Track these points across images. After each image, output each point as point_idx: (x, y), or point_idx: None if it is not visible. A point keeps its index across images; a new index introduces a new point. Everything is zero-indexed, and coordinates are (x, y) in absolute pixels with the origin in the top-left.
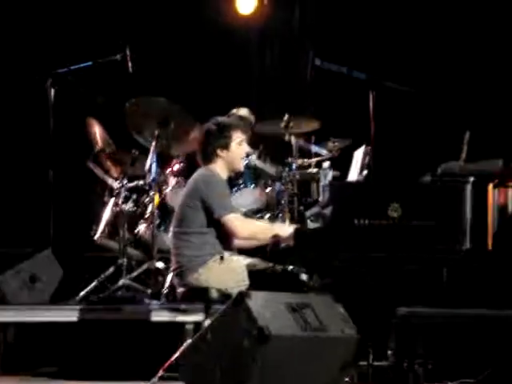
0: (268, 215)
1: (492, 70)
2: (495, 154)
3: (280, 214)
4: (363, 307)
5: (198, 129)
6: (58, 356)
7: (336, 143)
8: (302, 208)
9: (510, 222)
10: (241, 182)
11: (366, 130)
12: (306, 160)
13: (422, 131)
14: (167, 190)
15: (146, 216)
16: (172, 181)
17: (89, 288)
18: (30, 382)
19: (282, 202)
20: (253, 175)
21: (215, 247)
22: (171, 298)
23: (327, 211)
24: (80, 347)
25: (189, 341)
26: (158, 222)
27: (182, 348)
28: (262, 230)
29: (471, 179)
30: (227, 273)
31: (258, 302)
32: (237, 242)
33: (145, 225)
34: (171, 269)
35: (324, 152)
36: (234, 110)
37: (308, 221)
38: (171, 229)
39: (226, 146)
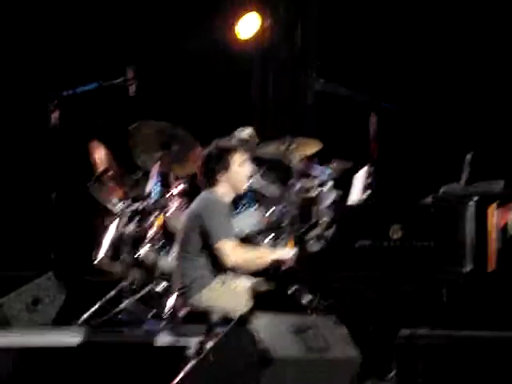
0: (270, 237)
1: (494, 92)
2: (497, 175)
3: (282, 236)
4: (365, 328)
5: (200, 152)
6: (60, 379)
7: (337, 165)
8: (303, 230)
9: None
10: (243, 203)
11: (368, 151)
12: (307, 182)
13: (423, 153)
14: (170, 212)
15: (149, 238)
16: (174, 203)
17: (91, 311)
18: None
19: (284, 223)
20: (255, 197)
21: (218, 269)
22: (173, 320)
23: (329, 233)
24: (82, 370)
25: (191, 363)
26: (160, 244)
27: (185, 370)
28: (255, 256)
29: (472, 201)
30: (230, 295)
31: (261, 323)
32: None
33: (147, 247)
34: (174, 290)
35: (325, 174)
36: (235, 133)
37: (310, 242)
38: (174, 250)
39: (227, 169)
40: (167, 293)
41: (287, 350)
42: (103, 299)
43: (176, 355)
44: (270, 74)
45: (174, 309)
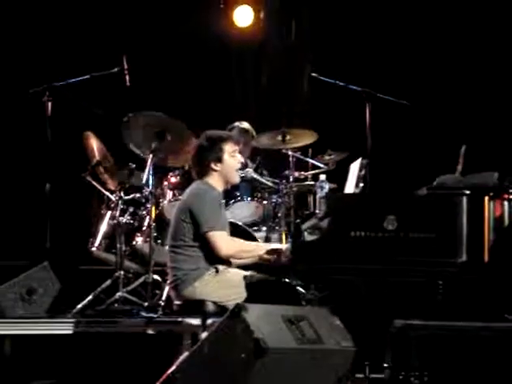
0: (265, 228)
1: (488, 84)
2: (491, 166)
3: (276, 227)
4: (360, 319)
5: (194, 142)
6: (55, 369)
7: (333, 156)
8: (298, 220)
9: (506, 234)
10: (237, 194)
11: (363, 142)
12: (302, 173)
13: (418, 144)
14: (164, 203)
15: (143, 229)
16: (169, 193)
17: (85, 301)
18: None
19: (279, 214)
20: (249, 188)
21: (210, 260)
22: (168, 311)
23: (324, 223)
24: (76, 360)
25: (185, 353)
26: (154, 234)
27: (179, 361)
28: (247, 249)
29: (467, 192)
30: (222, 286)
31: (255, 314)
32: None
33: (142, 238)
34: (168, 282)
35: (321, 165)
36: (236, 124)
37: (305, 233)
38: (167, 242)
39: (219, 159)
40: (161, 283)
41: (281, 341)
42: (98, 289)
43: (170, 346)
44: (265, 64)
45: (168, 299)
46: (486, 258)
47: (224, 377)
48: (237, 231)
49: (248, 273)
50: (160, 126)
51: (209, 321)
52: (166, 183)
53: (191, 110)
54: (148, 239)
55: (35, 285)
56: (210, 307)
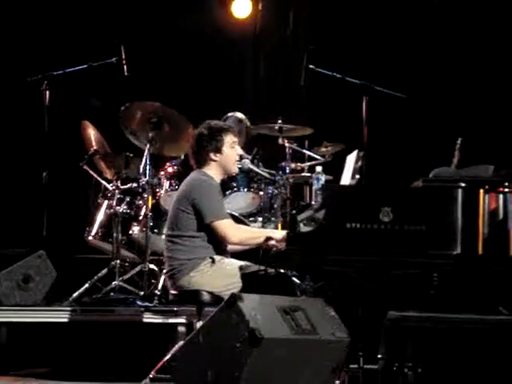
0: (261, 219)
1: (484, 77)
2: (486, 159)
3: (273, 218)
4: (354, 310)
5: (192, 132)
6: (51, 357)
7: (329, 147)
8: (294, 212)
9: (500, 227)
10: (234, 185)
11: (359, 134)
12: (299, 164)
13: (414, 136)
14: (161, 193)
15: (140, 218)
16: (166, 183)
17: (82, 289)
18: (21, 383)
19: (275, 205)
20: (246, 179)
21: (207, 251)
22: (164, 300)
23: (320, 215)
24: (72, 348)
25: (181, 342)
26: (151, 224)
27: (174, 349)
28: (252, 235)
29: (462, 185)
30: (218, 276)
31: (250, 304)
32: (229, 246)
33: (138, 227)
34: (164, 271)
35: (317, 156)
36: (230, 114)
37: (301, 224)
38: (164, 231)
39: (219, 150)
40: (158, 272)
41: (276, 331)
42: (94, 278)
43: (166, 335)
44: (262, 56)
45: (164, 289)
46: (480, 250)
47: (219, 366)
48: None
49: (243, 263)
50: (157, 116)
51: (204, 310)
52: (162, 173)
53: (188, 100)
54: (144, 229)
55: (31, 273)
56: (206, 297)
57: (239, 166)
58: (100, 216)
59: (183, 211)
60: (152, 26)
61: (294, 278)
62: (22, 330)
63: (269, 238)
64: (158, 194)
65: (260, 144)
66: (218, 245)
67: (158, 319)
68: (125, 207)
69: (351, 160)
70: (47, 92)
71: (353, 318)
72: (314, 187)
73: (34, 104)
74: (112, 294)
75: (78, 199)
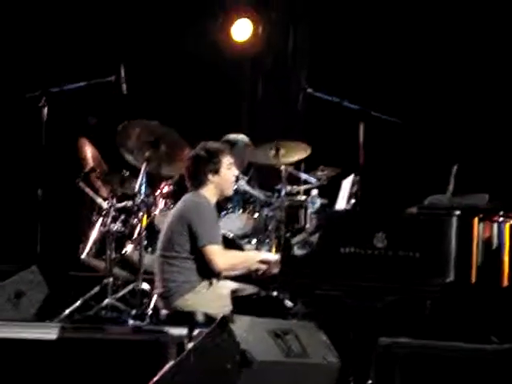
0: (255, 240)
1: (481, 104)
2: (482, 187)
3: (267, 240)
4: (346, 335)
5: (188, 152)
6: (40, 373)
7: (325, 171)
8: (288, 234)
9: (494, 256)
10: (229, 206)
11: (356, 159)
12: (294, 187)
13: (410, 162)
14: (156, 212)
15: (134, 237)
16: (161, 203)
17: (74, 306)
18: None
19: (270, 227)
20: (241, 200)
21: (203, 273)
22: (155, 320)
23: (314, 238)
24: (62, 365)
25: (171, 362)
26: (145, 243)
27: (164, 370)
28: (242, 260)
29: (457, 212)
30: (215, 298)
31: (242, 326)
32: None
33: (132, 245)
34: (156, 291)
35: (313, 180)
36: (232, 136)
37: (294, 248)
38: (157, 251)
39: (217, 171)
40: (150, 291)
41: (267, 353)
42: (86, 295)
43: (156, 354)
44: (261, 79)
45: (157, 308)
46: (474, 279)
47: None
48: (227, 243)
49: (238, 285)
50: (155, 135)
51: (195, 331)
52: (158, 192)
53: (186, 120)
54: (138, 247)
55: (24, 288)
56: (200, 317)
57: (235, 187)
58: (94, 233)
59: (180, 233)
60: (151, 45)
61: (286, 301)
62: (12, 346)
63: (263, 262)
64: (153, 213)
65: (256, 166)
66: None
67: (148, 339)
68: (119, 225)
69: (347, 184)
70: (45, 108)
71: (344, 343)
72: (309, 210)
73: (32, 120)
74: (104, 312)
75: (72, 216)
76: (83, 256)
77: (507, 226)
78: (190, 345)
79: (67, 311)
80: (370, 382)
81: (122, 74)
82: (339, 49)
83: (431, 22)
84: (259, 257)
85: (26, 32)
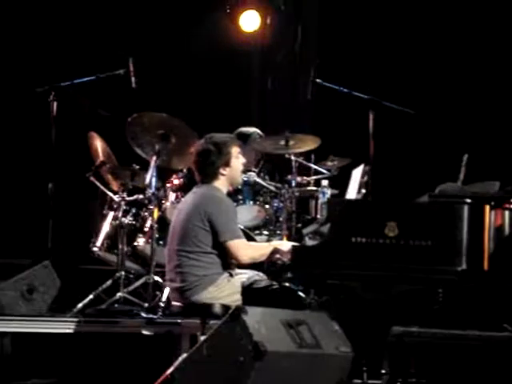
0: (266, 232)
1: (492, 93)
2: (493, 176)
3: (278, 231)
4: (358, 325)
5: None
6: (55, 367)
7: (335, 162)
8: (300, 225)
9: (506, 243)
10: (240, 198)
11: (366, 149)
12: (305, 178)
13: (420, 152)
14: (167, 205)
15: (145, 230)
16: (172, 195)
17: (86, 300)
18: None
19: (281, 219)
20: (252, 192)
21: (223, 266)
22: (168, 313)
23: (325, 229)
24: (76, 359)
25: (184, 355)
26: (156, 236)
27: (178, 362)
28: (262, 251)
29: (468, 201)
30: (236, 290)
31: (254, 317)
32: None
33: (143, 239)
34: (171, 285)
35: (323, 170)
36: (245, 129)
37: (306, 238)
38: (173, 245)
39: (228, 163)
40: (162, 284)
41: (280, 345)
42: (98, 289)
43: (169, 347)
44: (270, 70)
45: (169, 301)
46: (486, 266)
47: (222, 379)
48: None
49: (251, 274)
50: (164, 128)
51: (208, 322)
52: (168, 185)
53: (196, 113)
54: (150, 240)
55: (36, 283)
56: (218, 309)
57: (245, 178)
58: (105, 227)
59: (199, 227)
60: (160, 38)
61: (299, 292)
62: (26, 341)
63: (275, 251)
64: (164, 206)
65: (266, 157)
66: (231, 260)
67: (161, 331)
68: (130, 219)
69: (357, 174)
70: (55, 103)
71: (357, 333)
72: (319, 201)
73: (42, 115)
74: (116, 305)
75: (83, 210)
76: (95, 250)
77: None
78: (203, 337)
79: (80, 305)
80: (383, 371)
81: (131, 67)
82: (348, 38)
83: (442, 11)
84: (274, 245)
85: (35, 26)
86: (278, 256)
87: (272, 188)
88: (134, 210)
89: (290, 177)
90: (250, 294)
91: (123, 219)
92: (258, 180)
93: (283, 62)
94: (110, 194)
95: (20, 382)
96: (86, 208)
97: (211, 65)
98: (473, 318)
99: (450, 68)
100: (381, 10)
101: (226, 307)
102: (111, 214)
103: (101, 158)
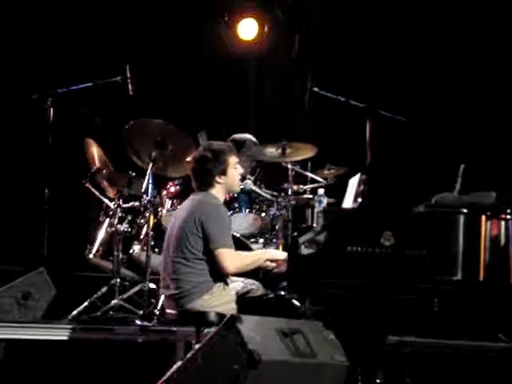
0: (262, 240)
1: (488, 103)
2: (489, 186)
3: (274, 239)
4: (354, 334)
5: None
6: (49, 375)
7: (332, 170)
8: (295, 234)
9: (502, 253)
10: (236, 206)
11: (362, 158)
12: (301, 186)
13: (417, 161)
14: (163, 212)
15: (141, 237)
16: (168, 203)
17: (81, 307)
18: None
19: (277, 227)
20: (248, 200)
21: (218, 273)
22: (163, 320)
23: (321, 238)
24: (70, 367)
25: (179, 363)
26: (152, 243)
27: (172, 370)
28: (252, 261)
29: (464, 210)
30: (230, 299)
31: (249, 326)
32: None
33: (139, 246)
34: (165, 292)
35: (319, 179)
36: (239, 136)
37: (302, 247)
38: (168, 252)
39: (224, 172)
40: (157, 292)
41: (274, 353)
42: (94, 296)
43: (164, 355)
44: (267, 78)
45: (164, 308)
46: (482, 277)
47: None
48: (234, 243)
49: (247, 283)
50: (161, 135)
51: (203, 330)
52: (164, 192)
53: (193, 120)
54: (145, 248)
55: (31, 290)
56: (213, 318)
57: (241, 186)
58: (101, 234)
59: (193, 233)
60: (157, 45)
61: (294, 301)
62: (21, 347)
63: (270, 260)
64: (160, 214)
65: (263, 165)
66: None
67: (156, 339)
68: (126, 226)
69: (353, 183)
70: (51, 109)
71: (352, 342)
72: (315, 210)
73: (38, 121)
74: (111, 312)
75: (79, 217)
76: (90, 256)
77: None
78: (198, 345)
79: (75, 312)
80: (378, 381)
81: (128, 74)
82: (345, 47)
83: (437, 20)
84: (268, 255)
85: (32, 33)
86: (272, 265)
87: (268, 196)
88: (129, 217)
89: (286, 185)
90: (246, 302)
91: (119, 226)
92: (255, 188)
93: (280, 70)
94: (106, 200)
95: None
96: (82, 215)
97: (208, 72)
98: (468, 327)
99: (447, 77)
100: (378, 20)
101: (220, 315)
102: (107, 220)
103: (97, 164)
